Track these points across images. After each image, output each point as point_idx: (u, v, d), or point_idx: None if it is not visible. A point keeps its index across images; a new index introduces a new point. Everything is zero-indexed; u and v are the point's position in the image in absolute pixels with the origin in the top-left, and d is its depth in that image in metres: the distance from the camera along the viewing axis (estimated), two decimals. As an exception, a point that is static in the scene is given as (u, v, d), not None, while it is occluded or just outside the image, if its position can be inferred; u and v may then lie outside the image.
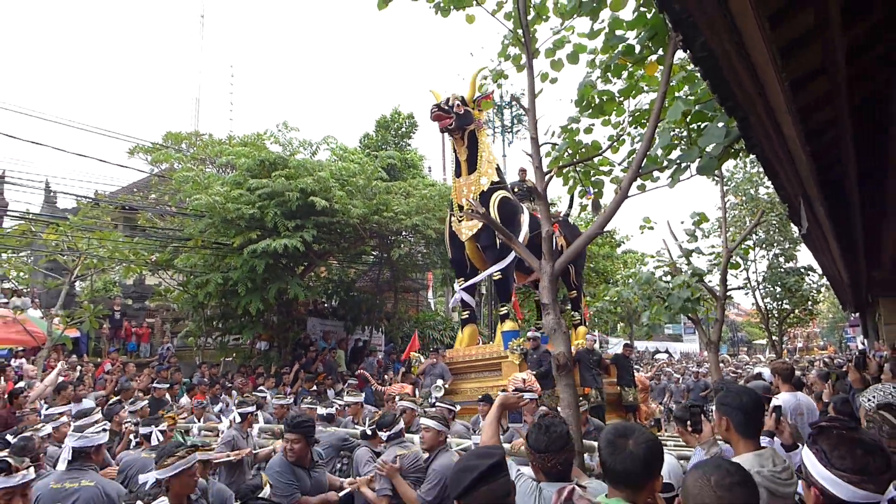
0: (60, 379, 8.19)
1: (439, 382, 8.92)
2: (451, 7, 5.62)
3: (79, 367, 11.65)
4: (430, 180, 18.32)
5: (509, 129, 21.77)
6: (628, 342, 11.80)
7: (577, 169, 6.24)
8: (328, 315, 16.86)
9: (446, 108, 9.55)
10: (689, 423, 3.37)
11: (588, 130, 6.03)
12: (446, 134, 10.09)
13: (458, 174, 10.04)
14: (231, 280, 12.07)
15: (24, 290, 15.64)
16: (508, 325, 9.83)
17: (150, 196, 19.56)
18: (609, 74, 5.53)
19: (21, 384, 8.58)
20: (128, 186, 21.12)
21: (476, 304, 12.47)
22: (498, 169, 10.16)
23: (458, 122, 9.59)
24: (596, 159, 6.10)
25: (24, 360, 11.44)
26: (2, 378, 8.22)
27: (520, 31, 5.71)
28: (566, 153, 5.94)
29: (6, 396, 7.24)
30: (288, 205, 11.92)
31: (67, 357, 11.82)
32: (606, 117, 5.90)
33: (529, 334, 9.22)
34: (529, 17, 5.78)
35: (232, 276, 12.06)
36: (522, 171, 12.08)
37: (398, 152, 17.89)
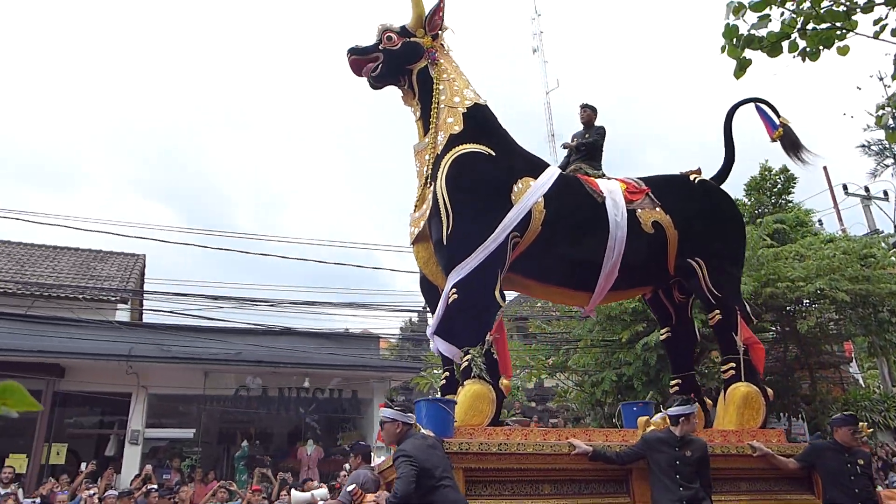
0: None
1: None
2: (820, 47, 5.04)
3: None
4: (827, 235, 15.92)
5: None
6: (849, 411, 6.36)
7: None
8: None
9: (365, 48, 6.00)
10: None
11: None
12: (398, 91, 6.31)
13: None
14: (625, 375, 12.23)
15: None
16: (469, 390, 4.91)
17: (537, 303, 21.56)
18: None
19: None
20: (515, 298, 23.73)
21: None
22: (470, 113, 5.88)
23: (390, 63, 5.99)
24: None
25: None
26: None
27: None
28: None
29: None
30: (668, 291, 11.74)
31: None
32: None
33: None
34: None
35: (625, 371, 12.22)
36: (585, 111, 6.99)
37: (780, 212, 16.21)
